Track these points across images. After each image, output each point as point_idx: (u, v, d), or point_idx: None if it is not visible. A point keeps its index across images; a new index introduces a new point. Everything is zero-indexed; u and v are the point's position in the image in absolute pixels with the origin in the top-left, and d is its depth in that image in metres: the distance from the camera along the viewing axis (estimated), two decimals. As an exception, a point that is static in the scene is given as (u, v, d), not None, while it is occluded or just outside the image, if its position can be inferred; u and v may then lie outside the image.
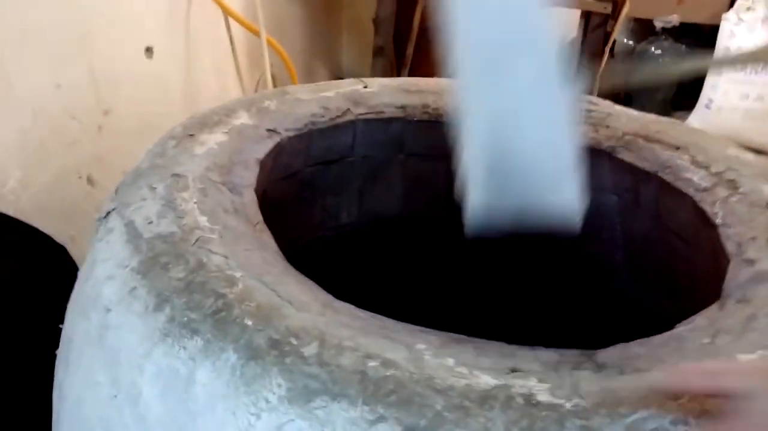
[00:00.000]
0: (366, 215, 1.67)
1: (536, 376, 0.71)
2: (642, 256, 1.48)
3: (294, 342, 0.71)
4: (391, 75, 3.36)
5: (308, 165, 1.46)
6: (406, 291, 1.91)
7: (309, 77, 3.22)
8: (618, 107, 1.52)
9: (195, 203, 0.99)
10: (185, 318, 0.76)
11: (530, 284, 1.77)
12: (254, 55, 2.62)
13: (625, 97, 4.19)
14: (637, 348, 0.78)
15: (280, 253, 0.96)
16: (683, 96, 4.19)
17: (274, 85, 2.57)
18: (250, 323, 0.73)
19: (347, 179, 1.57)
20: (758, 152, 1.48)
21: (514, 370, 0.71)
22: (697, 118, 3.83)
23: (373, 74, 3.29)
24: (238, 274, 0.83)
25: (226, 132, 1.26)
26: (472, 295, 1.87)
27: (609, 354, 0.76)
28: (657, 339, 0.80)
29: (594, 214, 1.64)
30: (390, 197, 1.64)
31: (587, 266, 1.62)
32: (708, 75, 3.71)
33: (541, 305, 1.78)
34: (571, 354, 0.76)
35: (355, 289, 1.92)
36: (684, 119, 3.99)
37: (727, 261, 1.02)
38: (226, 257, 0.86)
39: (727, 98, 3.60)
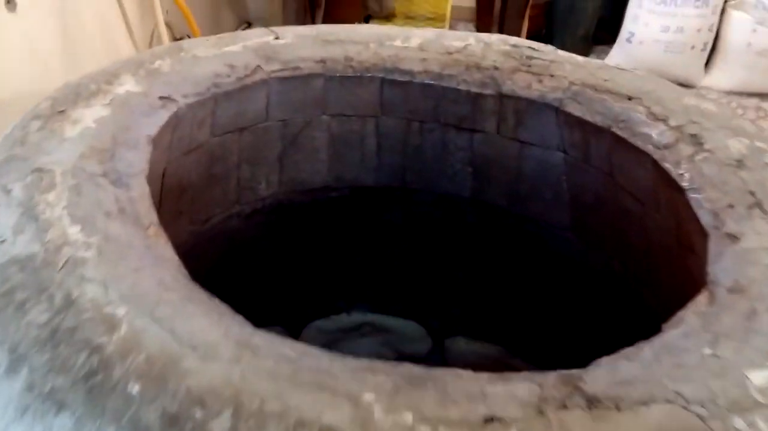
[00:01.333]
0: (288, 186, 1.46)
1: (517, 425, 0.55)
2: (591, 216, 1.36)
3: (198, 414, 0.52)
4: (304, 18, 3.07)
5: (215, 135, 1.23)
6: (337, 266, 1.73)
7: (213, 25, 2.88)
8: (561, 53, 1.35)
9: (64, 207, 0.76)
10: (48, 386, 0.55)
11: (470, 251, 1.63)
12: (146, 2, 2.27)
13: (545, 33, 4.05)
14: (627, 367, 0.63)
15: (181, 266, 0.75)
16: (604, 30, 4.10)
17: (172, 38, 2.24)
18: (136, 390, 0.53)
19: (263, 148, 1.35)
20: (682, 85, 1.35)
21: (489, 419, 0.55)
22: (618, 52, 3.75)
23: (285, 19, 2.99)
24: (121, 311, 0.62)
25: (107, 104, 1.01)
26: (409, 267, 1.72)
27: (598, 381, 0.61)
28: (647, 350, 0.65)
29: (537, 173, 1.51)
30: (314, 164, 1.44)
31: (529, 227, 1.49)
32: (629, 7, 3.62)
33: (483, 272, 1.66)
34: (553, 383, 0.61)
35: (279, 268, 1.74)
36: (605, 53, 3.91)
37: (701, 232, 0.90)
38: (105, 285, 0.65)
39: (648, 30, 3.52)
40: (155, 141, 1.00)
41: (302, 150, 1.40)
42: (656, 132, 1.09)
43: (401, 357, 1.90)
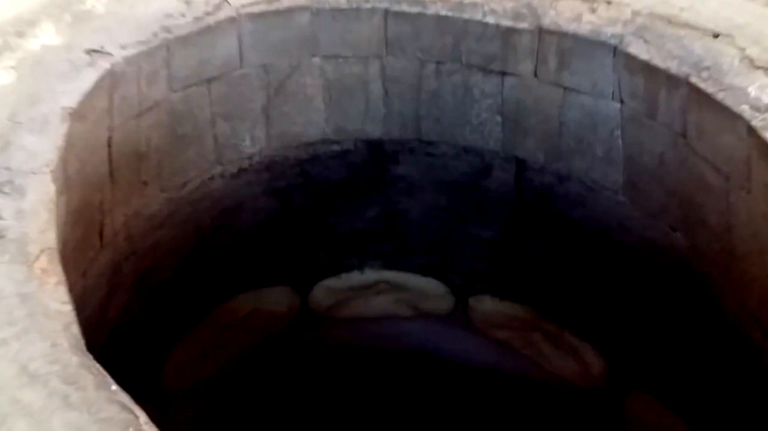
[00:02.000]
0: (279, 140, 1.21)
1: None
2: (650, 180, 1.08)
3: None
4: None
5: (175, 90, 0.97)
6: (345, 222, 1.50)
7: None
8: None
9: None
10: None
11: (498, 209, 1.37)
12: None
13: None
14: None
15: (73, 324, 0.53)
16: None
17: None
18: None
19: (242, 99, 1.09)
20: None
21: None
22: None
23: None
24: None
25: (13, 66, 0.76)
26: (427, 222, 1.48)
27: None
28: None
29: (585, 125, 1.21)
30: (309, 114, 1.17)
31: (571, 186, 1.22)
32: None
33: (513, 232, 1.40)
34: None
35: (281, 227, 1.50)
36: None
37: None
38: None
39: None
40: (81, 112, 0.76)
41: (292, 99, 1.13)
42: (755, 87, 0.79)
43: (420, 316, 1.70)
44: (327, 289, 1.61)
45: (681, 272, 1.12)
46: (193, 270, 1.33)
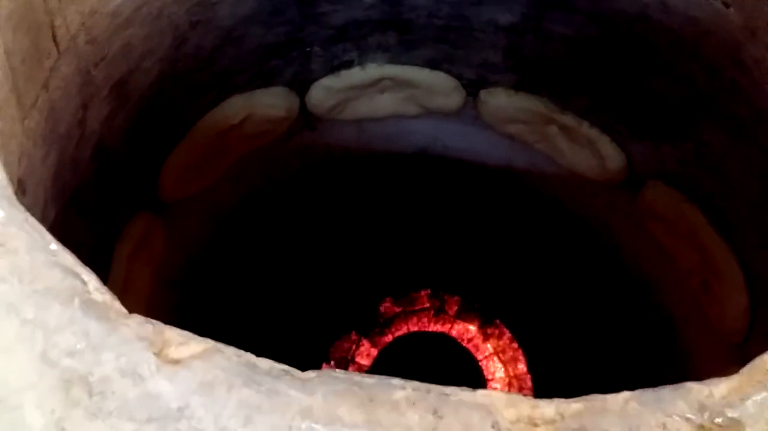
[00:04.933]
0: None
1: None
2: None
3: None
4: None
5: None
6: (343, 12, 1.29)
7: None
8: None
9: None
10: None
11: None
12: None
13: None
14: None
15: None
16: None
17: None
18: None
19: None
20: None
21: None
22: None
23: None
24: None
25: None
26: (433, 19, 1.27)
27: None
28: None
29: None
30: None
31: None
32: None
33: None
34: None
35: (256, 21, 1.26)
36: None
37: None
38: None
39: None
40: None
41: None
42: None
43: (428, 113, 1.57)
44: (326, 89, 1.46)
45: (728, 56, 0.97)
46: (176, 75, 1.18)
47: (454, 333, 1.59)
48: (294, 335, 1.49)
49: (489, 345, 1.57)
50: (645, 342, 1.48)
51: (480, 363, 1.56)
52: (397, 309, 1.61)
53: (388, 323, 1.58)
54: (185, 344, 0.34)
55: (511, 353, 1.58)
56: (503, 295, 1.60)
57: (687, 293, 1.29)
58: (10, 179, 0.41)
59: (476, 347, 1.56)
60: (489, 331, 1.59)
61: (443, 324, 1.59)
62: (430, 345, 1.58)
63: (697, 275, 1.26)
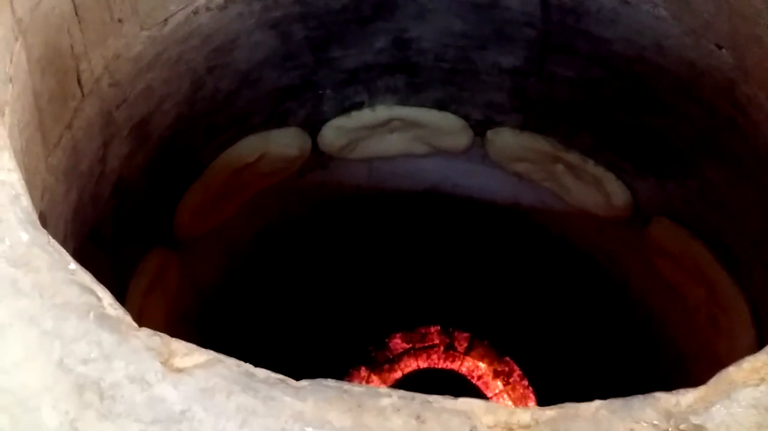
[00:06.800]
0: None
1: None
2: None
3: None
4: None
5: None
6: (353, 57, 1.35)
7: None
8: None
9: None
10: None
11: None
12: None
13: None
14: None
15: (24, 193, 0.44)
16: None
17: None
18: None
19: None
20: None
21: None
22: None
23: None
24: None
25: None
26: (441, 54, 1.32)
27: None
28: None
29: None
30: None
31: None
32: None
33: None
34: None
35: (280, 62, 1.31)
36: None
37: None
38: None
39: None
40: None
41: None
42: None
43: (437, 153, 1.61)
44: (337, 129, 1.51)
45: (723, 95, 1.00)
46: (194, 116, 1.24)
47: (463, 369, 1.59)
48: (304, 370, 1.50)
49: (499, 383, 1.57)
50: (656, 381, 1.47)
51: (490, 401, 1.56)
52: (407, 345, 1.62)
53: (398, 359, 1.59)
54: (189, 354, 0.37)
55: (521, 390, 1.57)
56: (513, 332, 1.61)
57: (695, 329, 1.29)
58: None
59: (486, 384, 1.57)
60: (499, 368, 1.59)
61: (453, 361, 1.60)
62: (439, 381, 1.58)
63: (704, 310, 1.26)
